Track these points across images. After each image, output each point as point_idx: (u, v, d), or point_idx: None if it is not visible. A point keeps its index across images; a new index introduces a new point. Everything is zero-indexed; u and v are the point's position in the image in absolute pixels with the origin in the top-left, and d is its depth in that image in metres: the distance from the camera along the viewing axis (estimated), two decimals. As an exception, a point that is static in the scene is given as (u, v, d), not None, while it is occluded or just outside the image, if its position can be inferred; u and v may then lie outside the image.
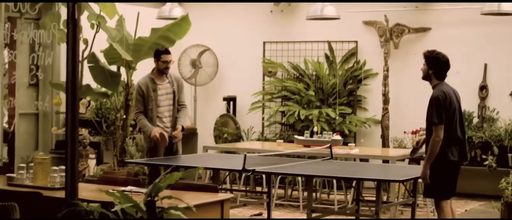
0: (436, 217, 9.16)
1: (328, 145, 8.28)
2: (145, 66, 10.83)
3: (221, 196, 5.54)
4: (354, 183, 7.92)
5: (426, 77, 6.66)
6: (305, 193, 8.59)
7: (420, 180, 6.66)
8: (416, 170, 7.54)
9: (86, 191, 5.69)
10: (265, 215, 8.32)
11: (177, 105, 8.37)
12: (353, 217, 7.80)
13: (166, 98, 8.32)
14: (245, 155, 6.94)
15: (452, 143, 6.50)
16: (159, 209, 4.35)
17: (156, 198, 4.25)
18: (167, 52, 8.30)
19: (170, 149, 8.34)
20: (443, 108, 6.41)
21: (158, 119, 8.26)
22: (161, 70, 8.26)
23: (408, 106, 11.48)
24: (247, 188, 10.55)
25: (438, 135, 6.36)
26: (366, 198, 7.75)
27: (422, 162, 6.74)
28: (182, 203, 4.40)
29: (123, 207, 4.26)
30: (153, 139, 8.08)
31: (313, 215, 6.98)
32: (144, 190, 5.11)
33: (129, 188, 5.68)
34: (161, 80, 8.31)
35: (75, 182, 4.46)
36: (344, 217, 8.19)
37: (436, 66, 6.59)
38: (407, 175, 6.93)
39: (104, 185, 5.92)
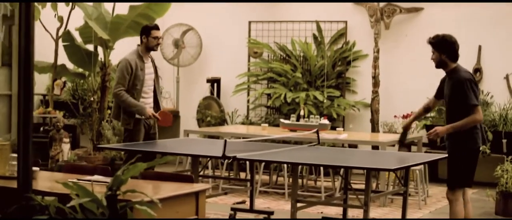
0: (427, 206, 8.81)
1: (315, 130, 7.81)
2: (123, 46, 10.40)
3: (196, 187, 5.06)
4: (341, 171, 7.45)
5: (439, 64, 6.30)
6: (291, 179, 8.13)
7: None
8: (408, 158, 7.12)
9: (48, 181, 5.21)
10: (249, 203, 7.86)
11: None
12: (341, 207, 7.33)
13: (149, 78, 7.87)
14: (225, 141, 6.46)
15: (477, 127, 6.22)
16: (123, 204, 3.88)
17: (118, 192, 3.76)
18: (157, 27, 7.82)
19: (148, 133, 7.88)
20: (476, 89, 6.16)
21: (142, 99, 7.77)
22: (151, 47, 7.75)
23: (399, 89, 11.14)
24: (230, 174, 10.10)
25: (480, 115, 6.10)
26: (355, 186, 7.31)
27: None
28: (147, 197, 3.91)
29: (81, 202, 3.78)
30: (148, 119, 7.63)
31: (298, 205, 6.51)
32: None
33: (95, 177, 5.20)
34: (146, 59, 7.83)
35: (29, 172, 3.98)
36: (332, 207, 7.72)
37: (446, 49, 6.25)
38: (398, 163, 6.47)
39: (71, 174, 5.43)
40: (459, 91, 6.11)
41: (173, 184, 5.11)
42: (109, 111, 10.21)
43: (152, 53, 7.89)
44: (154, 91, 7.88)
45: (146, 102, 7.77)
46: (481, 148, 6.33)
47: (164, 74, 12.29)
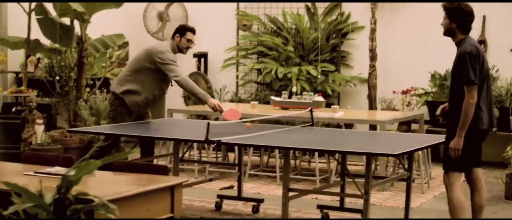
0: (430, 189, 8.17)
1: (309, 109, 7.13)
2: (101, 19, 9.72)
3: (172, 180, 4.38)
4: (337, 155, 6.77)
5: (448, 32, 5.68)
6: (283, 164, 7.49)
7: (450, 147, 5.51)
8: (412, 140, 6.45)
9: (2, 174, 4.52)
10: (237, 189, 7.20)
11: None
12: (338, 196, 6.67)
13: None
14: (208, 123, 5.77)
15: (482, 108, 5.56)
16: (78, 206, 3.20)
17: (67, 196, 3.08)
18: (194, 31, 7.35)
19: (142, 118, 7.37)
20: (478, 65, 5.48)
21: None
22: (180, 49, 7.29)
23: (398, 63, 10.55)
24: (218, 156, 9.42)
25: (473, 97, 5.44)
26: (352, 169, 6.66)
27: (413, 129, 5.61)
28: (102, 199, 3.21)
29: (24, 207, 3.10)
30: (215, 109, 6.96)
31: (290, 194, 5.83)
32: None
33: (55, 169, 4.52)
34: None
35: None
36: (328, 197, 7.05)
37: (459, 18, 5.61)
38: (401, 147, 5.80)
39: (29, 165, 4.74)
40: (457, 65, 5.54)
41: (145, 177, 4.43)
42: (87, 89, 9.55)
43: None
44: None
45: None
46: (490, 131, 5.68)
47: None
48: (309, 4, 10.94)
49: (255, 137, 6.17)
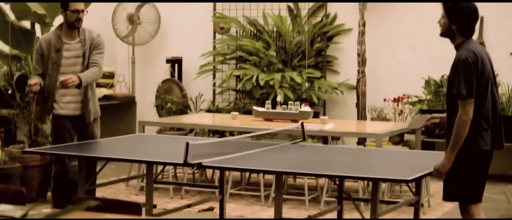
0: (431, 209, 7.42)
1: (300, 122, 6.34)
2: None
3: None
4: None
5: (447, 33, 4.87)
6: (274, 191, 6.72)
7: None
8: (418, 159, 5.68)
9: None
10: (217, 211, 6.39)
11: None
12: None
13: (73, 63, 6.55)
14: (187, 144, 4.95)
15: (484, 125, 4.75)
16: None
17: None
18: None
19: (83, 131, 6.55)
20: (474, 76, 4.67)
21: (64, 90, 6.47)
22: (70, 23, 6.51)
23: (389, 68, 9.92)
24: (195, 172, 8.58)
25: (467, 113, 4.64)
26: (345, 186, 5.87)
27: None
28: None
29: None
30: (31, 91, 6.42)
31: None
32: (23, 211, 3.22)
33: (1, 208, 3.67)
34: (70, 38, 6.57)
35: None
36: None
37: (460, 18, 4.82)
38: (411, 169, 5.02)
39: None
40: (451, 75, 4.77)
41: (116, 217, 3.59)
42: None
43: (91, 29, 6.60)
44: None
45: (69, 93, 6.48)
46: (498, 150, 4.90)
47: (117, 54, 11.13)
48: (291, 5, 10.25)
49: (240, 157, 5.36)
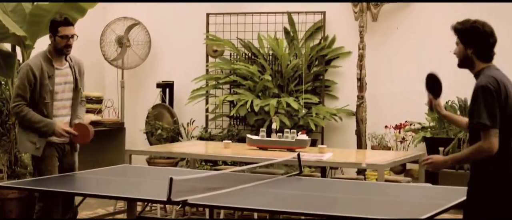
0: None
1: (297, 153, 5.90)
2: (47, 44, 8.55)
3: None
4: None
5: (464, 60, 4.46)
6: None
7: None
8: (429, 194, 5.22)
9: None
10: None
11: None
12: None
13: (65, 89, 6.21)
14: (171, 179, 4.48)
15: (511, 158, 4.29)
16: None
17: None
18: (66, 23, 6.13)
19: (67, 161, 6.15)
20: (496, 103, 4.23)
21: (55, 118, 6.09)
22: (59, 49, 6.11)
23: (390, 94, 9.63)
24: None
25: (491, 143, 4.22)
26: None
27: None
28: None
29: None
30: (61, 137, 5.99)
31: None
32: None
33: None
34: (59, 63, 6.18)
35: None
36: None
37: (475, 39, 4.39)
38: (423, 207, 4.57)
39: None
40: (471, 105, 4.35)
41: None
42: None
43: (75, 54, 6.22)
44: (73, 106, 6.21)
45: (59, 120, 6.09)
46: None
47: (106, 78, 10.86)
48: (287, 26, 9.92)
49: (230, 193, 4.91)
